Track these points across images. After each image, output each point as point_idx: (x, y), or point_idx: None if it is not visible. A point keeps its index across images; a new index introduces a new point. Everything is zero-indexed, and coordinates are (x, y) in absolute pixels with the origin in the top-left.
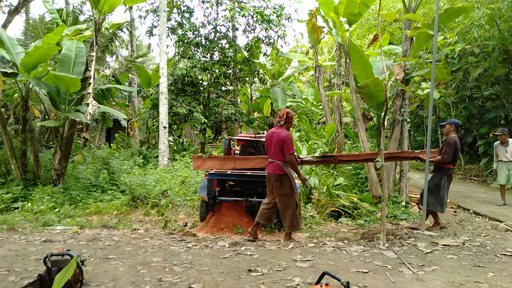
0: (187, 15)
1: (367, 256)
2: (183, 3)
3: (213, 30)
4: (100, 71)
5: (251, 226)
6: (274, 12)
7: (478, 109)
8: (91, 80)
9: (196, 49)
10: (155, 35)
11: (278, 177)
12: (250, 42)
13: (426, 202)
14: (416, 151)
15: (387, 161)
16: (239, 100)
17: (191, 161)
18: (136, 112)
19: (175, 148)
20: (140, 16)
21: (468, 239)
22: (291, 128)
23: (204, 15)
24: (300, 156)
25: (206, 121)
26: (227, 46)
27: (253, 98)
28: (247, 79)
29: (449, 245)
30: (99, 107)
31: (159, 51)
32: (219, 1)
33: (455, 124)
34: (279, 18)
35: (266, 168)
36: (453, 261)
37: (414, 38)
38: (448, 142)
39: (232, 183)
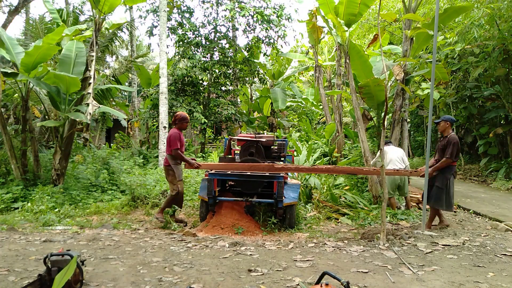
0: (187, 15)
1: (367, 256)
2: (183, 3)
3: (213, 30)
4: (100, 71)
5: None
6: (274, 12)
7: (478, 109)
8: (91, 80)
9: (196, 49)
10: (155, 35)
11: (165, 167)
12: (250, 42)
13: (438, 203)
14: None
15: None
16: (239, 100)
17: None
18: (136, 112)
19: None
20: (140, 16)
21: (468, 239)
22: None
23: (204, 15)
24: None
25: (206, 121)
26: (227, 46)
27: (253, 98)
28: (247, 79)
29: (449, 245)
30: (99, 107)
31: (159, 51)
32: (219, 1)
33: (450, 121)
34: (279, 18)
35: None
36: (453, 261)
37: (414, 38)
38: (451, 142)
39: (232, 183)
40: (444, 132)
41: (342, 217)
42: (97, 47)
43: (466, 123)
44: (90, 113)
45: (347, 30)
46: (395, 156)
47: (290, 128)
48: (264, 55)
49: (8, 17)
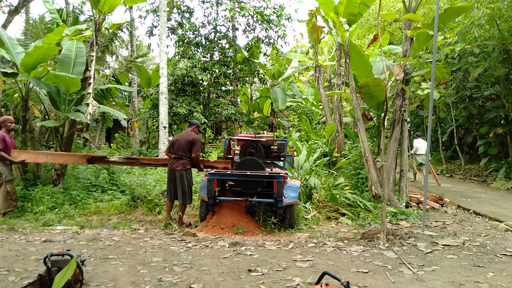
0: (187, 15)
1: (367, 256)
2: (183, 3)
3: (213, 30)
4: (100, 71)
5: None
6: (274, 12)
7: (478, 109)
8: (91, 80)
9: (196, 49)
10: (155, 35)
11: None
12: (250, 42)
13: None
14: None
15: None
16: (239, 100)
17: None
18: (136, 112)
19: None
20: (140, 16)
21: (468, 239)
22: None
23: (204, 15)
24: (109, 156)
25: (206, 121)
26: (227, 46)
27: (253, 98)
28: (247, 79)
29: (449, 245)
30: (99, 107)
31: (159, 51)
32: (219, 1)
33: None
34: (279, 18)
35: None
36: (453, 261)
37: (414, 38)
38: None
39: (232, 183)
40: None
41: (342, 217)
42: (97, 47)
43: (466, 123)
44: (90, 113)
45: (347, 30)
46: (420, 145)
47: (290, 128)
48: (264, 55)
49: (8, 17)
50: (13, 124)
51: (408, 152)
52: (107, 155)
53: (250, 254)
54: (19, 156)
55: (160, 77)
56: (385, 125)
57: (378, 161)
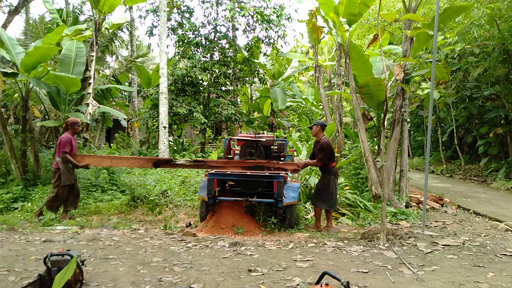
0: (187, 15)
1: (367, 256)
2: (183, 3)
3: (213, 30)
4: (100, 71)
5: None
6: (274, 12)
7: (478, 109)
8: (91, 80)
9: (196, 49)
10: (155, 35)
11: (53, 170)
12: (250, 42)
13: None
14: (280, 162)
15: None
16: (239, 100)
17: None
18: (136, 112)
19: (175, 148)
20: (140, 16)
21: (468, 239)
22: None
23: (204, 15)
24: (177, 159)
25: (206, 121)
26: (227, 46)
27: (253, 98)
28: (247, 79)
29: (449, 245)
30: (99, 107)
31: (159, 51)
32: (219, 1)
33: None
34: (279, 18)
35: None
36: (453, 261)
37: (414, 38)
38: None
39: (232, 183)
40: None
41: (342, 217)
42: (97, 47)
43: (466, 123)
44: (90, 113)
45: (347, 30)
46: None
47: (290, 128)
48: (264, 55)
49: (8, 17)
50: (80, 127)
51: (409, 152)
52: (173, 158)
53: (250, 254)
54: (83, 160)
55: (160, 77)
56: (385, 125)
57: (378, 161)
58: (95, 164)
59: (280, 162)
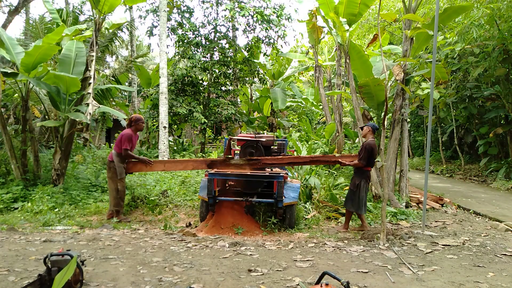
0: (187, 15)
1: (367, 256)
2: (183, 3)
3: (213, 30)
4: (100, 71)
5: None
6: (274, 12)
7: (478, 109)
8: (91, 80)
9: (196, 49)
10: (155, 35)
11: (108, 162)
12: (250, 42)
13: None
14: (336, 155)
15: (310, 164)
16: (239, 100)
17: None
18: (136, 112)
19: (175, 148)
20: (140, 16)
21: (468, 239)
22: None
23: (204, 15)
24: (231, 158)
25: (206, 121)
26: (227, 46)
27: (253, 98)
28: (247, 79)
29: (449, 245)
30: (99, 107)
31: (159, 51)
32: (219, 1)
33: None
34: (279, 18)
35: None
36: (453, 261)
37: (414, 38)
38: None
39: (232, 183)
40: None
41: (342, 217)
42: (97, 47)
43: (466, 123)
44: (90, 113)
45: (347, 30)
46: None
47: (290, 128)
48: (264, 55)
49: (8, 17)
50: (144, 124)
51: (409, 152)
52: (227, 157)
53: (250, 254)
54: (135, 167)
55: (160, 77)
56: (385, 125)
57: (378, 161)
58: (148, 170)
59: (337, 155)
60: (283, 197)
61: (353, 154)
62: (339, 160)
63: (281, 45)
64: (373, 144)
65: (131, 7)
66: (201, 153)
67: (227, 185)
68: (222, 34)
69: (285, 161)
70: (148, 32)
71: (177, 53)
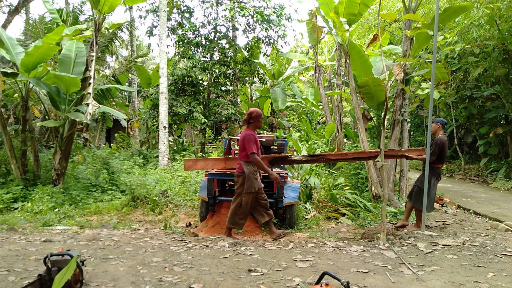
0: (187, 15)
1: (367, 256)
2: (183, 3)
3: (213, 30)
4: (100, 71)
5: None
6: (274, 12)
7: (478, 109)
8: (91, 80)
9: (196, 49)
10: (155, 35)
11: (237, 174)
12: (250, 42)
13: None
14: (403, 149)
15: (386, 159)
16: (239, 100)
17: None
18: (136, 112)
19: (175, 148)
20: (140, 16)
21: (468, 239)
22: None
23: (204, 15)
24: (291, 156)
25: (206, 121)
26: (227, 46)
27: (253, 98)
28: (247, 79)
29: (449, 245)
30: (99, 107)
31: (159, 51)
32: (219, 1)
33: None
34: (279, 18)
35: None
36: (453, 261)
37: (414, 38)
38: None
39: (232, 183)
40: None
41: (342, 217)
42: (97, 47)
43: (466, 123)
44: (90, 113)
45: (347, 30)
46: None
47: (290, 128)
48: (264, 55)
49: (8, 17)
50: (262, 120)
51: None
52: (289, 155)
53: (250, 254)
54: (196, 165)
55: (160, 77)
56: (385, 125)
57: (378, 161)
58: (208, 167)
59: (403, 149)
60: (283, 197)
61: (421, 148)
62: (406, 154)
63: (281, 45)
64: (444, 140)
65: (131, 7)
66: (201, 153)
67: (227, 185)
68: (222, 34)
69: (349, 157)
70: (148, 32)
71: (177, 53)
